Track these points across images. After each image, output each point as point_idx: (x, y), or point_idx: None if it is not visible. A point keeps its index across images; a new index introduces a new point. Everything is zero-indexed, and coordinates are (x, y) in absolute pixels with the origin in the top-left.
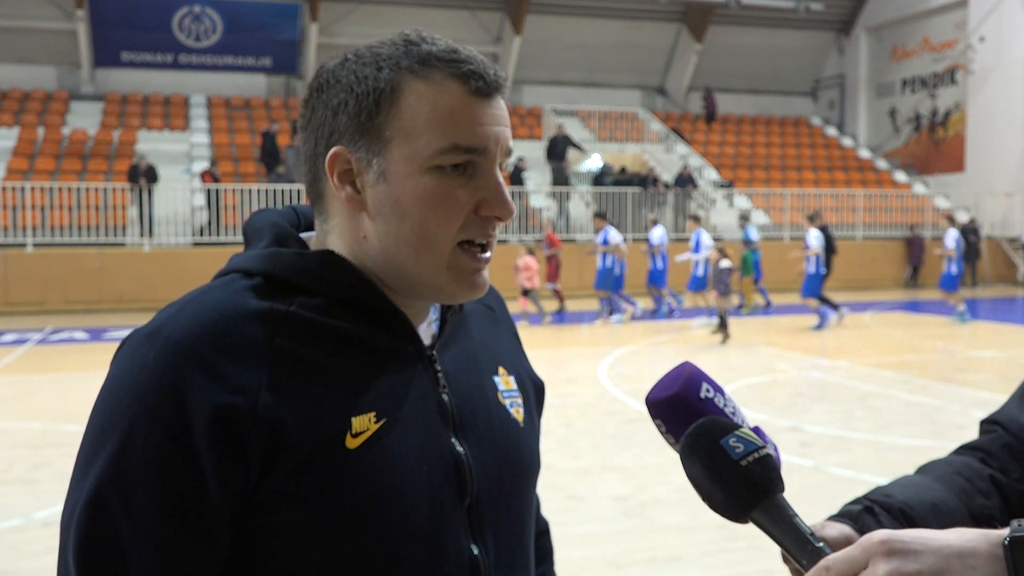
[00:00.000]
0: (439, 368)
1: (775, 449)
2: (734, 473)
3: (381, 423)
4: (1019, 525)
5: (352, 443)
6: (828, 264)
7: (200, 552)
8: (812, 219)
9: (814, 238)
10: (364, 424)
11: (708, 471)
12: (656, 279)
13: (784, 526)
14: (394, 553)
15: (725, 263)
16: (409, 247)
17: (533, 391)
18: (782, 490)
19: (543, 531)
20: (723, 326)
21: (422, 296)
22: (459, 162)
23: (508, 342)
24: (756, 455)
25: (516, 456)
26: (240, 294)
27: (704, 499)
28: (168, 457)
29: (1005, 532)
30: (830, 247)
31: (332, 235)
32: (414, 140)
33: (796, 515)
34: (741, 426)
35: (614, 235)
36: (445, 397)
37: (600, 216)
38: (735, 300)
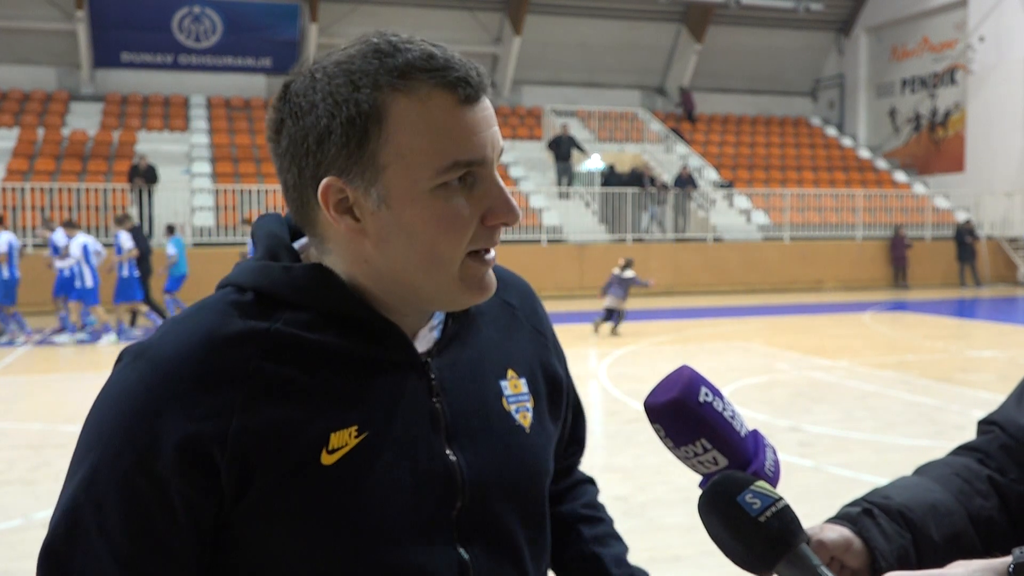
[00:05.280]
0: (433, 376)
1: (774, 452)
2: (753, 530)
3: (363, 437)
4: (1021, 552)
5: (328, 459)
6: (144, 266)
7: (166, 569)
8: (121, 222)
9: (126, 240)
10: (343, 439)
11: (727, 529)
12: None
13: None
14: (375, 563)
15: (629, 273)
16: (419, 269)
17: (547, 392)
18: (805, 540)
19: (587, 503)
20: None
21: (431, 308)
22: (461, 175)
23: (526, 341)
24: (774, 509)
25: (518, 462)
26: (224, 314)
27: (727, 555)
28: (135, 479)
29: (1009, 560)
30: (145, 249)
31: (330, 256)
32: (412, 163)
33: (820, 564)
34: (757, 479)
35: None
36: (438, 405)
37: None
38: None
